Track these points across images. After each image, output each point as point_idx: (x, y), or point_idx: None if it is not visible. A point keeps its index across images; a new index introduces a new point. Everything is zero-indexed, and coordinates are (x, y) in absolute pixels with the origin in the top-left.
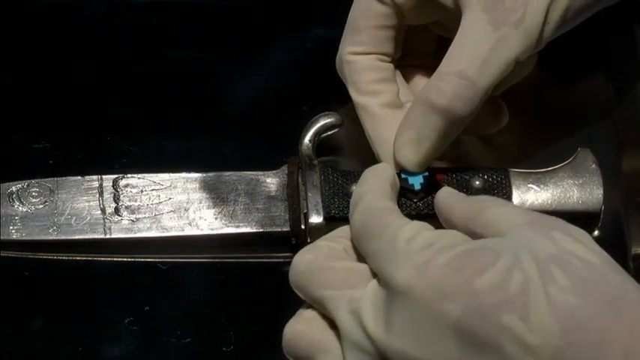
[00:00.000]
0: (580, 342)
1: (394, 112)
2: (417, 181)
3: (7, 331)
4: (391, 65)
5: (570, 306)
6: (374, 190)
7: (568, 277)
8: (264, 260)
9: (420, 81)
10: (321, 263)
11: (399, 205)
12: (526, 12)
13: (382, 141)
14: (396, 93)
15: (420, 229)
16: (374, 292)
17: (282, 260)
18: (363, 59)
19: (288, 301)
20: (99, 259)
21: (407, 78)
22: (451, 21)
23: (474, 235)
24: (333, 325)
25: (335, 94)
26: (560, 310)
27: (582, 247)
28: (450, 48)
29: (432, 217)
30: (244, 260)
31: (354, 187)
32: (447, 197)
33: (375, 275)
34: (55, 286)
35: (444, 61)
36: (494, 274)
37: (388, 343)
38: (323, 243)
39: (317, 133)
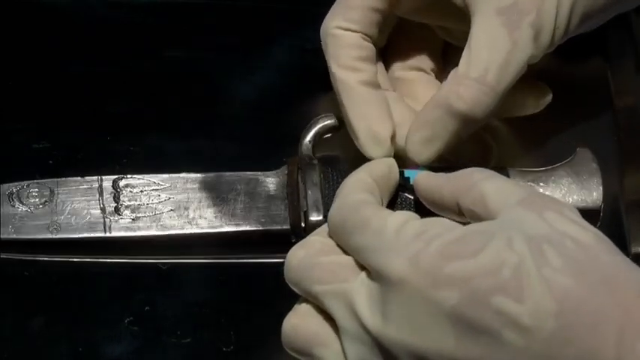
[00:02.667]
0: (575, 323)
1: (371, 90)
2: None
3: (7, 331)
4: (374, 47)
5: (564, 287)
6: (350, 184)
7: (561, 257)
8: (265, 262)
9: (421, 86)
10: (313, 259)
11: (398, 201)
12: (539, 13)
13: (357, 115)
14: (375, 73)
15: (407, 218)
16: (366, 284)
17: (281, 260)
18: (348, 35)
19: (288, 301)
20: (99, 260)
21: (410, 83)
22: (453, 22)
23: (465, 212)
24: (329, 317)
25: (334, 95)
26: (554, 291)
27: (575, 227)
28: (467, 51)
29: (433, 214)
30: (244, 261)
31: None
32: (428, 180)
33: (362, 267)
34: (55, 286)
35: (461, 64)
36: (487, 259)
37: (385, 334)
38: (315, 238)
39: (316, 135)
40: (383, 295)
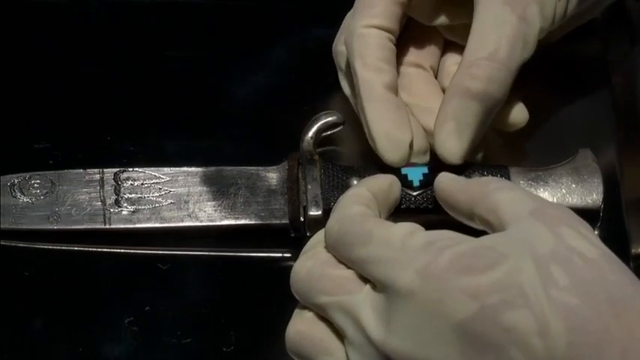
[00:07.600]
0: (580, 343)
1: (392, 94)
2: (416, 178)
3: (7, 331)
4: (395, 49)
5: (570, 307)
6: (347, 197)
7: (568, 276)
8: (264, 256)
9: (418, 81)
10: (319, 270)
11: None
12: None
13: (377, 118)
14: (396, 77)
15: (411, 229)
16: (371, 297)
17: (280, 256)
18: (375, 34)
19: (288, 301)
20: (98, 250)
21: (408, 77)
22: (460, 20)
23: (478, 220)
24: (333, 325)
25: (334, 94)
26: (561, 311)
27: (585, 243)
28: (472, 35)
29: (430, 212)
30: (244, 254)
31: (354, 181)
32: (447, 183)
33: (366, 280)
34: (55, 286)
35: (468, 48)
36: (496, 276)
37: (391, 347)
38: (320, 249)
39: (318, 131)
40: (389, 306)
